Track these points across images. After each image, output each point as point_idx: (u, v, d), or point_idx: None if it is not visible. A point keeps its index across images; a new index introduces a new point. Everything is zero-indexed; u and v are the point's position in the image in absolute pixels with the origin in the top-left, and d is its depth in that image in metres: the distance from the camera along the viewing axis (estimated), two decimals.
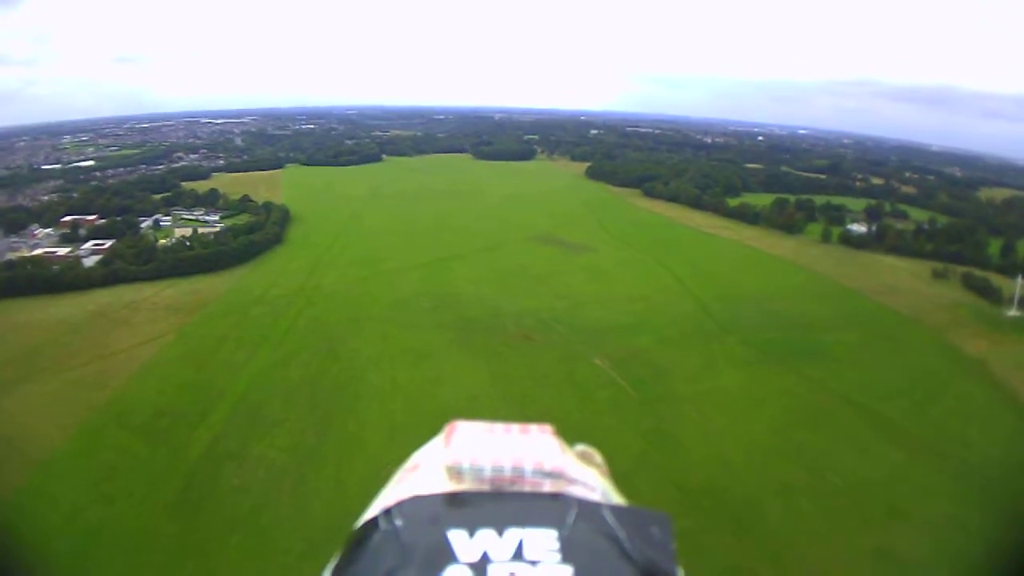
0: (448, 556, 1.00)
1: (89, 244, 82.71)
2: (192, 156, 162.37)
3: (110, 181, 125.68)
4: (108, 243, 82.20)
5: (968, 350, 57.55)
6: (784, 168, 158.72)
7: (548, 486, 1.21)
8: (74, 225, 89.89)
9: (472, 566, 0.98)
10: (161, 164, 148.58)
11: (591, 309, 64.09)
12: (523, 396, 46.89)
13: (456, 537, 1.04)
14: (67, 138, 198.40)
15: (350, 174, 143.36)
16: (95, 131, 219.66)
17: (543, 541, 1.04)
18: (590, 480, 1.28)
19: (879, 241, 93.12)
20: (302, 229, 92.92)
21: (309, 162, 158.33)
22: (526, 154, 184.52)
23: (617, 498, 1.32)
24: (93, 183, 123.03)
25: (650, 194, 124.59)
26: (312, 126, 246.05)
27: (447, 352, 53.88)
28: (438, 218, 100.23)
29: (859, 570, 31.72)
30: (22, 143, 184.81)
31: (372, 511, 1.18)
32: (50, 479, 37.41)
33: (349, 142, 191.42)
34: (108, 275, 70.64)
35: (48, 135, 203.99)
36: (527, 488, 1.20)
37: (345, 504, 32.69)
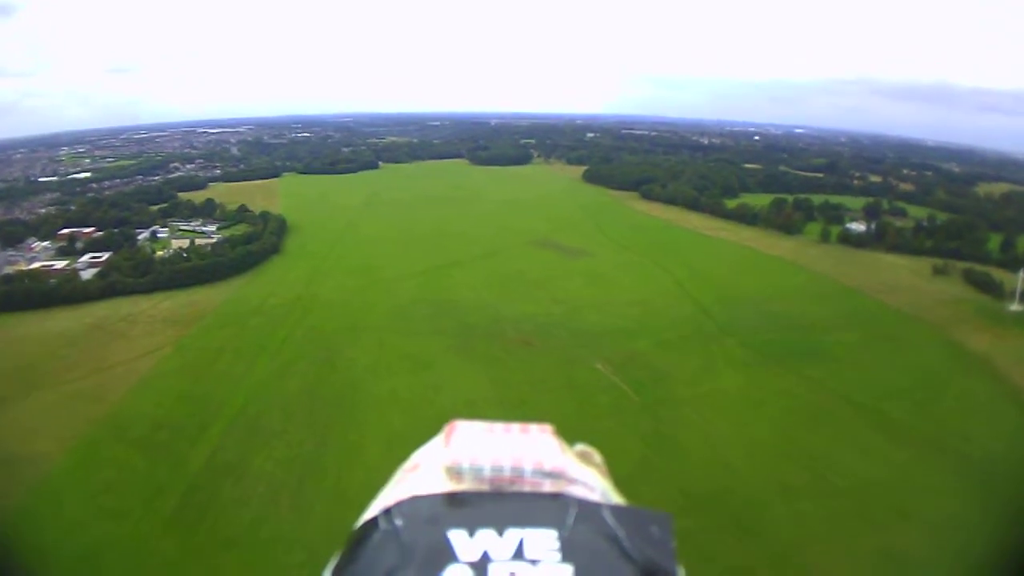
0: (448, 555, 1.00)
1: (86, 257, 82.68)
2: (188, 166, 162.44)
3: (107, 193, 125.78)
4: (105, 255, 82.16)
5: (971, 346, 57.32)
6: (782, 168, 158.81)
7: (548, 486, 1.21)
8: (71, 238, 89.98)
9: (472, 565, 0.99)
10: (157, 175, 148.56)
11: (590, 313, 63.99)
12: (523, 401, 46.73)
13: (456, 537, 1.04)
14: (64, 150, 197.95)
15: (347, 182, 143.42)
16: (91, 142, 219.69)
17: (543, 541, 1.04)
18: (590, 480, 1.29)
19: (878, 239, 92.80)
20: (299, 238, 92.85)
21: (306, 171, 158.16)
22: (523, 159, 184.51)
23: (617, 498, 1.33)
24: (90, 195, 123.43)
25: (647, 197, 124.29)
26: (308, 134, 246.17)
27: (446, 359, 53.77)
28: (435, 225, 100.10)
29: (862, 571, 31.51)
30: (19, 155, 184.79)
31: (372, 511, 1.18)
32: (49, 493, 37.18)
33: (345, 150, 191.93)
34: (105, 288, 70.64)
35: (45, 147, 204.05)
36: (527, 488, 1.21)
37: (345, 514, 32.01)
